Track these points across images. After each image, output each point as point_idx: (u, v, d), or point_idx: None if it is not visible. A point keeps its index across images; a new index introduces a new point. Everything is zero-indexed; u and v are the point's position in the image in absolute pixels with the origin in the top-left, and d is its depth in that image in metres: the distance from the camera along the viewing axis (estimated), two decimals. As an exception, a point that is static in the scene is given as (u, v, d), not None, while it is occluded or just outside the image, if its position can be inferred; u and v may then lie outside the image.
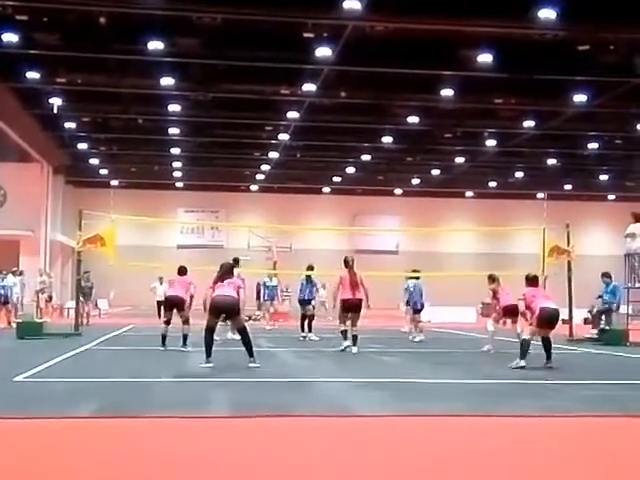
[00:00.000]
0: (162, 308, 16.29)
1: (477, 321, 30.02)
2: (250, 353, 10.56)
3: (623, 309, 17.47)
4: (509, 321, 14.34)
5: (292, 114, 27.98)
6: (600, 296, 17.86)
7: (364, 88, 24.84)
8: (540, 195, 43.49)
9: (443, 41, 20.18)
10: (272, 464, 4.83)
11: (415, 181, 42.40)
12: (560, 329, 19.47)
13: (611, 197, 46.17)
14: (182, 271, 14.04)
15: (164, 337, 13.46)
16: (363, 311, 13.77)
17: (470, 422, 6.42)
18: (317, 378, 9.63)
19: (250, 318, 22.51)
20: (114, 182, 41.98)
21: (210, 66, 23.31)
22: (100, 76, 24.04)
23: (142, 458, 5.01)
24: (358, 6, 17.63)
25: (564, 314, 21.44)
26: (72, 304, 24.78)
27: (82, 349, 13.59)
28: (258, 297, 23.83)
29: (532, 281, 11.43)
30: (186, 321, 13.45)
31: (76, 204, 34.15)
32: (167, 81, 24.00)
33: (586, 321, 21.21)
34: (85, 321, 21.90)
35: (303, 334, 17.41)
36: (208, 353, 10.59)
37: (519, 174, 40.37)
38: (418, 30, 19.49)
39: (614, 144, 32.92)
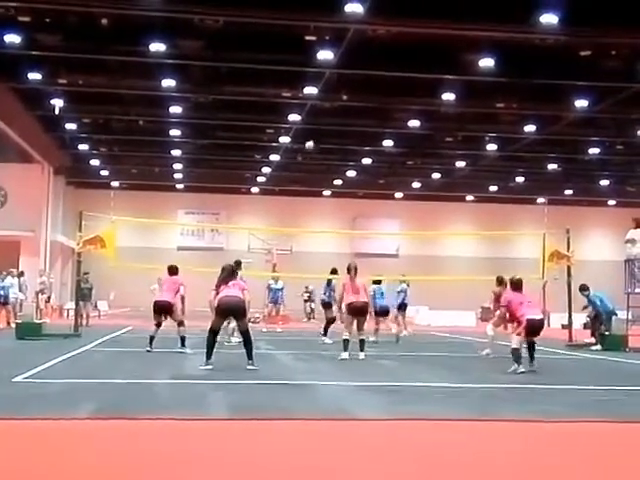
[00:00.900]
0: None
1: (477, 325, 29.99)
2: (249, 355, 10.53)
3: (622, 314, 17.43)
4: (510, 325, 14.20)
5: (293, 117, 28.02)
6: (585, 307, 17.86)
7: (365, 91, 24.86)
8: (541, 200, 43.49)
9: (445, 45, 20.23)
10: (270, 467, 4.82)
11: (416, 185, 42.42)
12: (559, 334, 19.60)
13: (611, 202, 46.14)
14: (173, 270, 13.83)
15: (152, 338, 13.39)
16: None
17: (468, 426, 6.42)
18: (316, 381, 9.61)
19: (249, 320, 22.33)
20: (115, 183, 41.97)
21: (211, 68, 23.36)
22: (101, 77, 24.09)
23: (141, 459, 5.01)
24: (360, 10, 17.66)
25: (564, 319, 21.52)
26: (72, 305, 24.78)
27: (81, 350, 13.58)
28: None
29: (516, 286, 11.19)
30: (180, 323, 13.40)
31: (76, 205, 34.22)
32: (168, 83, 24.05)
33: (585, 326, 21.18)
34: (84, 322, 21.89)
35: (327, 340, 16.88)
36: (209, 355, 10.52)
37: (520, 179, 40.42)
38: (420, 34, 19.54)
39: (615, 149, 32.96)
